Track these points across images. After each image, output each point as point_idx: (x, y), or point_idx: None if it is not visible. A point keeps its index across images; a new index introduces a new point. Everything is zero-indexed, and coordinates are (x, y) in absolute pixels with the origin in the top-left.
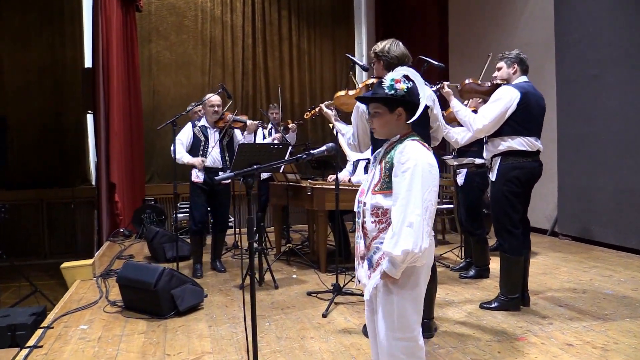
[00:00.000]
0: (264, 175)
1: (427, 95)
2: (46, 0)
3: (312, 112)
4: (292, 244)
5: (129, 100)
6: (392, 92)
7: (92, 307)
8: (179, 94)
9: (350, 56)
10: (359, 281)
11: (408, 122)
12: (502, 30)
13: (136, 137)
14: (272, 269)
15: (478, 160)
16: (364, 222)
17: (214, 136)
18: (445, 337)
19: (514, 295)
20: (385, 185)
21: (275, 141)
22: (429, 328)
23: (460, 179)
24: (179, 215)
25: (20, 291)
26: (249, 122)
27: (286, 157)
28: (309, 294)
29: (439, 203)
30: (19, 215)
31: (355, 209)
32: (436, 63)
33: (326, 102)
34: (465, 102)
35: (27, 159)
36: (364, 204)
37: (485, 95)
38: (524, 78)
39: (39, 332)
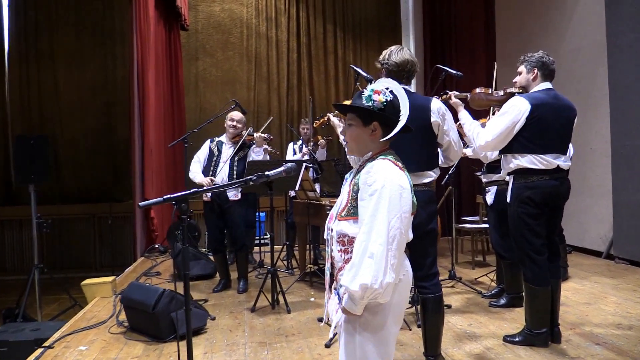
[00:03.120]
0: (292, 193)
1: (407, 113)
2: (99, 21)
3: (322, 121)
4: (319, 264)
5: (172, 117)
6: (369, 103)
7: (99, 327)
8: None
9: (354, 67)
10: (328, 317)
11: (382, 139)
12: (551, 36)
13: (179, 153)
14: (291, 290)
15: (506, 176)
16: (331, 251)
17: (227, 151)
18: None
19: (541, 330)
20: (353, 211)
21: (306, 157)
22: None
23: (489, 198)
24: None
25: (65, 304)
26: (256, 135)
27: (301, 172)
28: (320, 320)
29: (478, 221)
30: (71, 229)
31: (325, 236)
32: (453, 72)
33: (336, 112)
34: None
35: (80, 175)
36: (331, 230)
37: (497, 105)
38: (545, 85)
39: (38, 351)
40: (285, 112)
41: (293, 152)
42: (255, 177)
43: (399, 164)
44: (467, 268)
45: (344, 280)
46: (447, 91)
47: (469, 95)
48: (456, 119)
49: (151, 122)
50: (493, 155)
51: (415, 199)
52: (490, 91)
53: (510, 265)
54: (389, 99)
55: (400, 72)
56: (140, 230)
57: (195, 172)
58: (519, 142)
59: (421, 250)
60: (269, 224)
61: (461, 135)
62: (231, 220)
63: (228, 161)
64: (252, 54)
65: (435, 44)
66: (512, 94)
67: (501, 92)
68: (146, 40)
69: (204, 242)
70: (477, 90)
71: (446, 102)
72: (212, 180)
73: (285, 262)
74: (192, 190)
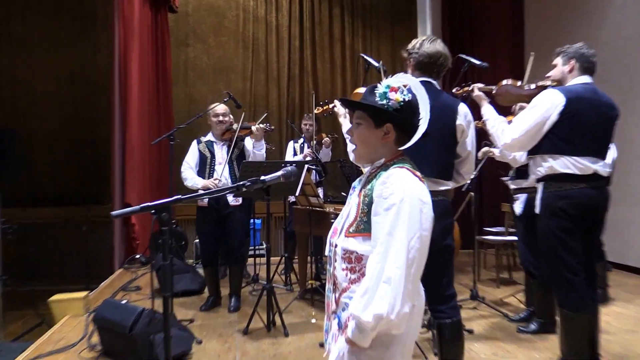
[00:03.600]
0: (291, 198)
1: (427, 117)
2: (77, 4)
3: (325, 108)
4: (322, 280)
5: (157, 109)
6: (384, 101)
7: (68, 351)
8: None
9: (364, 55)
10: (328, 347)
11: (400, 148)
12: (588, 24)
13: (165, 151)
14: (289, 310)
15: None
16: (334, 269)
17: (221, 151)
18: None
19: None
20: (363, 226)
21: (308, 158)
22: None
23: (518, 207)
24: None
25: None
26: (254, 127)
27: (302, 175)
28: (322, 345)
29: (503, 233)
30: (41, 235)
31: (326, 253)
32: (478, 62)
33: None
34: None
35: (56, 174)
36: (335, 246)
37: (527, 101)
38: (584, 79)
39: None
40: (286, 105)
41: (293, 151)
42: (249, 183)
43: (418, 173)
44: (491, 286)
45: (353, 307)
46: (470, 82)
47: (494, 89)
48: (477, 116)
49: (134, 115)
50: (523, 157)
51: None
52: (519, 84)
53: (542, 285)
54: (407, 99)
55: (431, 65)
56: (119, 238)
57: (192, 177)
58: (550, 142)
59: (436, 270)
60: (264, 233)
61: (481, 134)
62: (230, 228)
63: (225, 163)
64: (248, 39)
65: (454, 33)
66: (544, 87)
67: (532, 85)
68: (130, 23)
69: (192, 252)
70: (505, 82)
71: (465, 98)
72: (219, 181)
73: (283, 277)
74: (174, 198)
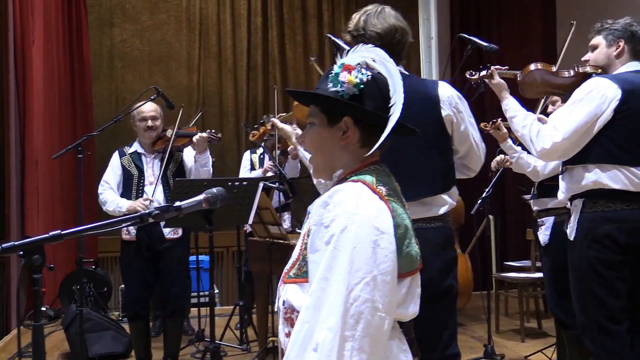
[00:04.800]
0: (248, 227)
1: (401, 100)
2: None
3: (262, 131)
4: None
5: (71, 112)
6: (337, 87)
7: None
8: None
9: (331, 36)
10: None
11: (368, 149)
12: None
13: (83, 166)
14: None
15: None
16: (278, 333)
17: (152, 166)
18: None
19: None
20: (305, 269)
21: (269, 173)
22: None
23: (543, 235)
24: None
25: None
26: (198, 135)
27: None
28: None
29: (529, 269)
30: None
31: (276, 306)
32: (485, 44)
33: (281, 115)
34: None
35: None
36: (278, 299)
37: (564, 91)
38: (635, 65)
39: None
40: (245, 104)
41: (250, 165)
42: (157, 211)
43: (381, 189)
44: (514, 339)
45: None
46: (489, 65)
47: (519, 75)
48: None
49: (37, 120)
50: (547, 168)
51: (416, 246)
52: (553, 69)
53: (577, 338)
54: (365, 79)
55: (386, 47)
56: (18, 284)
57: (113, 199)
58: (602, 147)
59: (433, 321)
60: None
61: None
62: (166, 270)
63: (159, 180)
64: (195, 17)
65: (466, 7)
66: (587, 75)
67: (571, 72)
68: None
69: (117, 302)
70: (533, 66)
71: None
72: (150, 202)
73: (238, 333)
74: (50, 234)
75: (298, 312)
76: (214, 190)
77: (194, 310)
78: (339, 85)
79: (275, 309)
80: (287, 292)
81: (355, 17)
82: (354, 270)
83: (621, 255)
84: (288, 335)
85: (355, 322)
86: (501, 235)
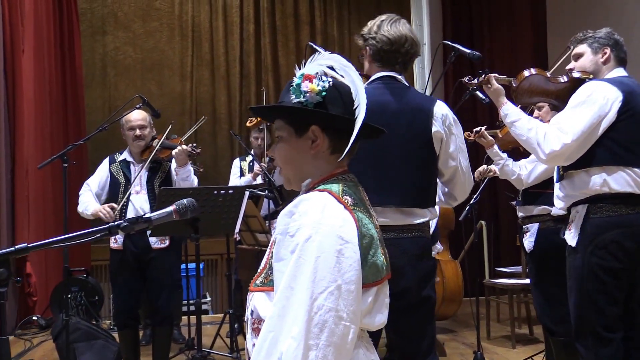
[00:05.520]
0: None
1: (364, 103)
2: None
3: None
4: None
5: (63, 121)
6: (299, 97)
7: None
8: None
9: (313, 44)
10: None
11: (339, 155)
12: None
13: (75, 175)
14: None
15: (556, 210)
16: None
17: (140, 175)
18: None
19: None
20: (272, 277)
21: (259, 177)
22: None
23: (528, 242)
24: None
25: None
26: (177, 148)
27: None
28: None
29: (520, 274)
30: None
31: (245, 316)
32: (468, 51)
33: None
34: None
35: None
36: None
37: (558, 97)
38: (620, 71)
39: None
40: (238, 112)
41: (239, 171)
42: (126, 223)
43: (347, 199)
44: (504, 346)
45: None
46: (487, 71)
47: (513, 81)
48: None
49: (28, 129)
50: (531, 177)
51: (382, 257)
52: (548, 75)
53: (565, 345)
54: (327, 86)
55: (393, 54)
56: (9, 293)
57: (86, 201)
58: (607, 150)
59: (410, 330)
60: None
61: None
62: (153, 279)
63: (144, 189)
64: (187, 25)
65: (458, 14)
66: (580, 81)
67: (565, 77)
68: (17, 4)
69: (109, 311)
70: (528, 72)
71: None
72: (112, 210)
73: (228, 341)
74: (17, 247)
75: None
76: (184, 201)
77: (185, 318)
78: (302, 96)
79: (245, 319)
80: (253, 300)
81: (370, 23)
82: (318, 279)
83: (623, 263)
84: (254, 344)
85: (320, 331)
86: (494, 241)
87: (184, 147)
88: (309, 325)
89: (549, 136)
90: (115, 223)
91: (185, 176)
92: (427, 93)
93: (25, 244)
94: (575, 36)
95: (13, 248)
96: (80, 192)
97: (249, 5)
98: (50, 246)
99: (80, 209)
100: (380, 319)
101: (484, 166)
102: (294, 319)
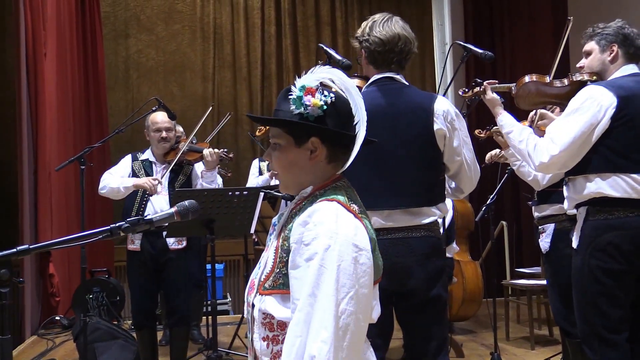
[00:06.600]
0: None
1: (364, 119)
2: None
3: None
4: None
5: (86, 123)
6: (300, 109)
7: None
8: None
9: (324, 46)
10: None
11: (341, 168)
12: None
13: (98, 177)
14: None
15: (573, 210)
16: (253, 337)
17: (160, 175)
18: None
19: None
20: (282, 281)
21: (276, 182)
22: None
23: (544, 242)
24: None
25: None
26: (206, 151)
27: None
28: None
29: (539, 275)
30: None
31: (245, 314)
32: (480, 51)
33: None
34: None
35: None
36: (252, 306)
37: (560, 100)
38: (630, 69)
39: None
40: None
41: (259, 171)
42: (127, 225)
43: (354, 207)
44: (524, 347)
45: None
46: (479, 80)
47: (513, 88)
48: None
49: (50, 132)
50: (546, 178)
51: (378, 259)
52: (547, 80)
53: (581, 346)
54: (330, 101)
55: (387, 55)
56: (31, 294)
57: (119, 179)
58: (602, 157)
59: (419, 331)
60: (223, 283)
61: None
62: (170, 280)
63: (165, 191)
64: (209, 27)
65: (480, 15)
66: (582, 84)
67: (565, 81)
68: (39, 8)
69: (129, 311)
70: (527, 78)
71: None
72: (158, 182)
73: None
74: (18, 249)
75: (277, 319)
76: (185, 202)
77: (205, 319)
78: (303, 108)
79: (245, 315)
80: (264, 303)
81: (364, 24)
82: (340, 286)
83: (623, 265)
84: (265, 339)
85: (344, 334)
86: (516, 241)
87: (216, 150)
88: (336, 329)
89: (538, 147)
90: (117, 224)
91: (211, 180)
92: (441, 93)
93: (27, 246)
94: (586, 31)
95: (15, 249)
96: (103, 177)
97: (270, 7)
98: (51, 247)
99: (113, 185)
100: (377, 310)
101: (497, 150)
102: (321, 323)
